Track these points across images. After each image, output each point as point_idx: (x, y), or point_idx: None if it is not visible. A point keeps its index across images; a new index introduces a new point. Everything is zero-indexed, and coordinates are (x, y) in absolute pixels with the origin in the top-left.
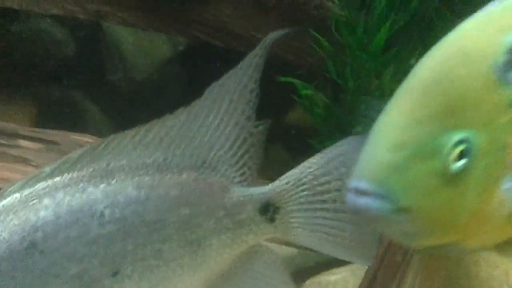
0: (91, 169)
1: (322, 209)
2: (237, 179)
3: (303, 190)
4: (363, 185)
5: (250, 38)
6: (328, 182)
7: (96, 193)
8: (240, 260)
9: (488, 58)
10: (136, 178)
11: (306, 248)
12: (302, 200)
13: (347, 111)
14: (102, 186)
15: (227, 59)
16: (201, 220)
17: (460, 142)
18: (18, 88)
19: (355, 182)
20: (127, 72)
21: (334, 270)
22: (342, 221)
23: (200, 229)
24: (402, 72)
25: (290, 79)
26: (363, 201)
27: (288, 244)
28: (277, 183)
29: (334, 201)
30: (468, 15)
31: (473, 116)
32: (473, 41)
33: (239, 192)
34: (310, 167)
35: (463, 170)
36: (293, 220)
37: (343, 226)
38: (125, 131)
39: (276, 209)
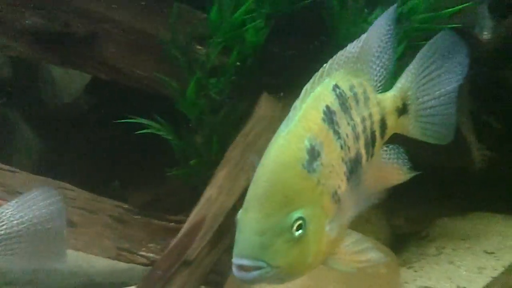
0: None
1: (18, 237)
2: None
3: (2, 225)
4: (245, 262)
5: (130, 73)
6: (22, 217)
7: None
8: None
9: (299, 161)
10: None
11: None
12: (1, 232)
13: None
14: None
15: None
16: None
17: (297, 219)
18: None
19: (238, 260)
20: (57, 95)
21: None
22: (35, 243)
23: None
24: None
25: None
26: (250, 275)
27: None
28: None
29: (28, 229)
30: None
31: (301, 199)
32: (286, 152)
33: None
34: (7, 208)
35: (303, 233)
36: None
37: (37, 246)
38: None
39: None
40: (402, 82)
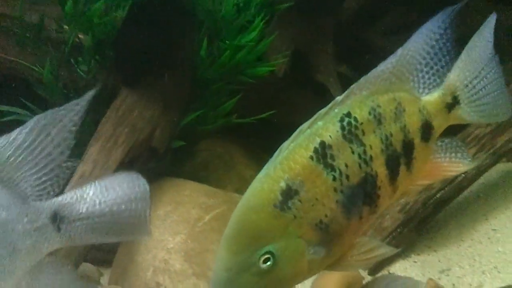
0: None
1: (101, 216)
2: (37, 195)
3: (84, 203)
4: None
5: None
6: (105, 197)
7: None
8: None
9: (271, 202)
10: None
11: None
12: (83, 210)
13: None
14: None
15: None
16: (13, 224)
17: (264, 254)
18: None
19: None
20: None
21: None
22: (116, 221)
23: (13, 233)
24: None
25: None
26: None
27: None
28: (63, 196)
29: (111, 208)
30: None
31: (270, 236)
32: (258, 195)
33: (36, 203)
34: (90, 189)
35: (272, 264)
36: (77, 226)
37: (119, 224)
38: None
39: (62, 218)
40: (450, 77)
